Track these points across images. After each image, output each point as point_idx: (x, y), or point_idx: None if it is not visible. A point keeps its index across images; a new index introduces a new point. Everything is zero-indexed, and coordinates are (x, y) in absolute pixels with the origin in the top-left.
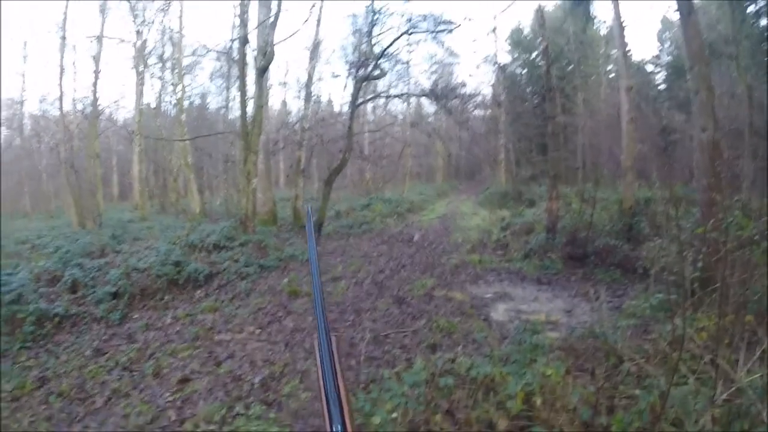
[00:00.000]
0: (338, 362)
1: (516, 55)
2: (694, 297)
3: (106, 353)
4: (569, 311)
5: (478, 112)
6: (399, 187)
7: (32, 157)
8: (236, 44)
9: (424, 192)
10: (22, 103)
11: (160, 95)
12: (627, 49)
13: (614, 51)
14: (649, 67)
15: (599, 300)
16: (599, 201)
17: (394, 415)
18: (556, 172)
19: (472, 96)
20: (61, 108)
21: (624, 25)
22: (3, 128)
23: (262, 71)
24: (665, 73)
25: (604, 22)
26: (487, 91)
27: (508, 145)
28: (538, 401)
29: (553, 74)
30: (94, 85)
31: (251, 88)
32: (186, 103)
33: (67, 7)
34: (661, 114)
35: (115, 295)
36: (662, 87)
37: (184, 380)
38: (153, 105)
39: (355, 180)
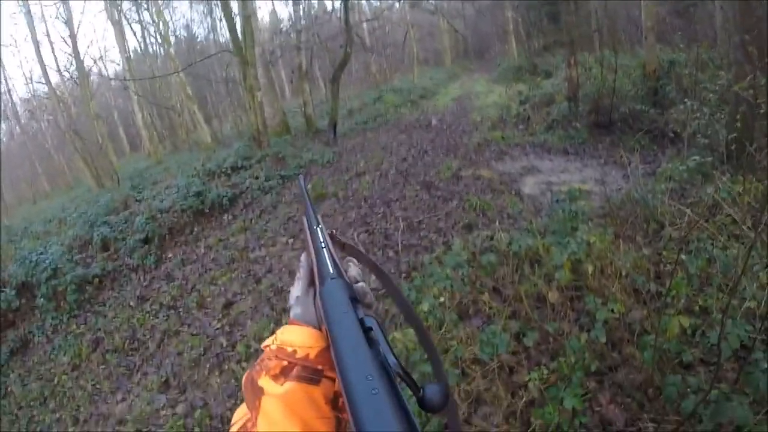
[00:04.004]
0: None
1: None
2: (732, 160)
3: (149, 298)
4: (601, 179)
5: None
6: (408, 76)
7: (36, 139)
8: None
9: (434, 77)
10: (9, 91)
11: (144, 38)
12: None
13: None
14: None
15: (632, 166)
16: (620, 67)
17: (442, 299)
18: (572, 38)
19: None
20: (47, 81)
21: None
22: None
23: None
24: None
25: None
26: None
27: (517, 16)
28: (590, 269)
29: None
30: (74, 48)
31: (235, 5)
32: (172, 39)
33: None
34: None
35: (145, 241)
36: None
37: (228, 305)
38: (140, 50)
39: (362, 75)
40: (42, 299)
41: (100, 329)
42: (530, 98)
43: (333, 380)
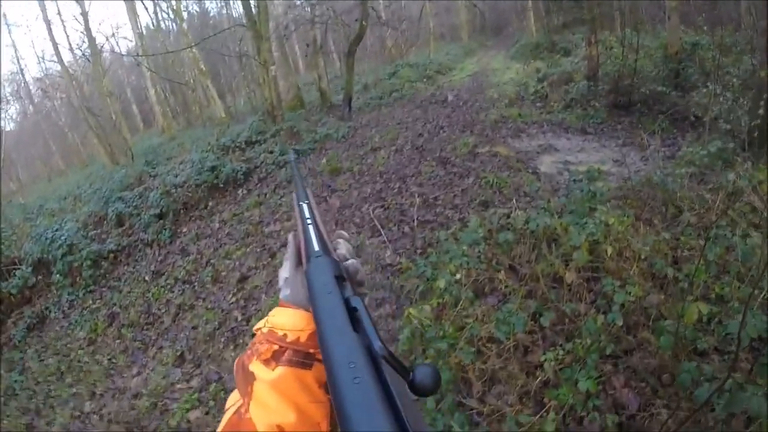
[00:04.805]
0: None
1: None
2: (753, 147)
3: (164, 273)
4: (619, 161)
5: None
6: (424, 51)
7: (49, 117)
8: None
9: (450, 52)
10: (22, 71)
11: (156, 13)
12: None
13: None
14: None
15: (651, 148)
16: (641, 47)
17: (458, 276)
18: (593, 16)
19: None
20: (59, 59)
21: None
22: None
23: None
24: None
25: None
26: None
27: None
28: (608, 250)
29: None
30: (86, 25)
31: None
32: (184, 14)
33: None
34: None
35: (160, 216)
36: None
37: (243, 279)
38: (152, 26)
39: (377, 50)
40: (58, 275)
41: (115, 304)
42: (548, 76)
43: None
